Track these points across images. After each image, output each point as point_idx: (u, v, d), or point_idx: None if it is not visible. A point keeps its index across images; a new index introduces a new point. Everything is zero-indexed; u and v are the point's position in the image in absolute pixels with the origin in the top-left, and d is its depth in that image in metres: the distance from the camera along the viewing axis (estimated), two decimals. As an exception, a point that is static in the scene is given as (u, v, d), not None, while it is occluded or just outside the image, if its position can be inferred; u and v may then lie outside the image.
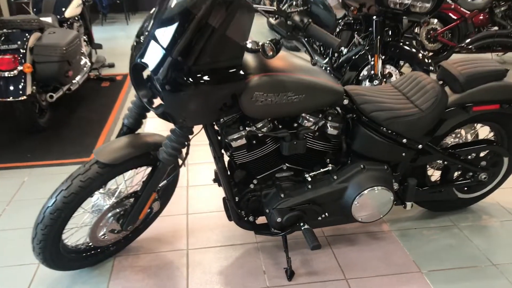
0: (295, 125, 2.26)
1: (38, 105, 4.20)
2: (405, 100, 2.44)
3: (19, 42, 3.85)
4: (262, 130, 2.20)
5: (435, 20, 6.23)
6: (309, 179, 2.38)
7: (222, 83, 1.91)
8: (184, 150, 2.23)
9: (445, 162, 2.60)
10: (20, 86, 3.78)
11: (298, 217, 2.35)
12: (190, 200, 3.11)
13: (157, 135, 2.30)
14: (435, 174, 2.83)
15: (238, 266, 2.48)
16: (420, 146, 2.44)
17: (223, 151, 2.27)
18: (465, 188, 2.80)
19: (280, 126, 2.24)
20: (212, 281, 2.37)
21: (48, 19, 4.66)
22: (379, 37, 4.12)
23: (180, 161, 2.34)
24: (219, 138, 2.25)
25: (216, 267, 2.48)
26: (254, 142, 2.24)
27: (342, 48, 4.86)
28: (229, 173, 2.37)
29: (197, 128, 2.15)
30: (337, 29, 4.90)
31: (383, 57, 4.11)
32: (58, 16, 4.89)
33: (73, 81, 4.46)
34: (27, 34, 3.95)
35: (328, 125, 2.31)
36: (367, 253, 2.55)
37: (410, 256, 2.53)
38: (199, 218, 2.91)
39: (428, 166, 2.74)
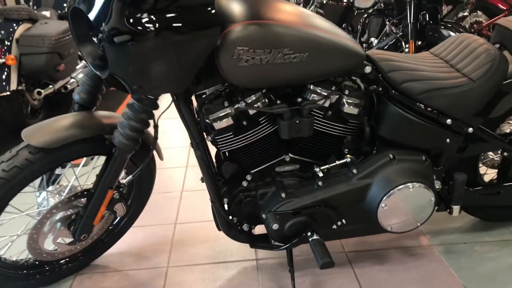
0: (299, 100, 1.68)
1: (30, 104, 3.76)
2: (449, 68, 1.83)
3: (3, 32, 3.43)
4: (254, 106, 1.63)
5: (480, 12, 5.55)
6: (320, 174, 1.78)
7: (185, 31, 1.36)
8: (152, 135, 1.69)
9: (505, 154, 1.95)
10: (3, 80, 3.35)
11: (304, 224, 1.75)
12: (183, 207, 2.55)
13: (116, 115, 1.77)
14: (488, 173, 2.18)
15: (228, 290, 1.90)
16: (470, 129, 1.81)
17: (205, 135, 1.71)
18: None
19: (278, 102, 1.67)
20: (190, 310, 1.80)
21: (47, 13, 4.27)
22: (414, 20, 3.51)
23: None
24: (197, 117, 1.69)
25: (199, 291, 1.90)
26: (244, 123, 1.67)
27: (372, 38, 4.25)
28: (215, 166, 1.82)
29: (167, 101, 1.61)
30: (366, 18, 4.29)
31: (419, 43, 3.50)
32: (59, 11, 4.50)
33: (71, 79, 4.03)
34: (14, 24, 3.54)
35: (344, 100, 1.72)
36: (401, 275, 1.92)
37: (458, 279, 1.89)
38: (189, 229, 2.34)
39: (480, 162, 2.09)
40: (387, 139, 1.80)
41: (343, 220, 1.80)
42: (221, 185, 1.84)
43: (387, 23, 4.01)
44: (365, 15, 4.27)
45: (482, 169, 2.17)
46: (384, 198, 1.72)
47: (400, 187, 1.72)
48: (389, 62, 1.76)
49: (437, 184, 1.86)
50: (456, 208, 1.88)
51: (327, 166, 1.80)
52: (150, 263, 2.09)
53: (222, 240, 2.18)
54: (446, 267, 1.96)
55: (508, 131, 2.07)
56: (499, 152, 1.99)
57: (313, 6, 5.44)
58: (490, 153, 2.13)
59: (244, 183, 1.81)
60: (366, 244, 2.14)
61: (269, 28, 1.48)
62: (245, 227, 1.86)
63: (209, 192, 1.78)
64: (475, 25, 5.57)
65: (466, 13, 5.61)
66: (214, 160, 1.84)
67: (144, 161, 1.79)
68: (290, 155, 1.80)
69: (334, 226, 1.80)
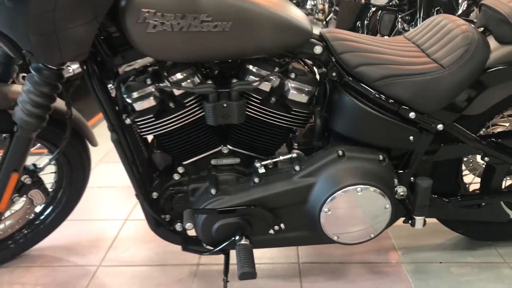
0: (233, 81, 1.43)
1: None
2: (418, 52, 1.54)
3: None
4: (180, 85, 1.40)
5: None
6: (262, 170, 1.53)
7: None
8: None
9: (486, 159, 1.64)
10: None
11: (236, 226, 1.50)
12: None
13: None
14: (476, 182, 1.86)
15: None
16: (440, 126, 1.51)
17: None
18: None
19: (209, 82, 1.43)
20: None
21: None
22: (424, 16, 3.21)
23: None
24: (115, 95, 1.47)
25: (120, 295, 1.68)
26: (169, 105, 1.44)
27: (385, 37, 3.95)
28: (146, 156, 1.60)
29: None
30: (378, 14, 3.99)
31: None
32: None
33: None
34: None
35: (289, 85, 1.47)
36: (354, 294, 1.64)
37: (422, 305, 1.59)
38: (139, 227, 2.12)
39: (464, 168, 1.79)
40: (341, 133, 1.53)
41: (282, 225, 1.53)
42: (155, 178, 1.62)
43: (399, 19, 3.71)
44: (379, 11, 3.98)
45: (470, 177, 1.87)
46: (326, 201, 1.45)
47: (346, 189, 1.44)
48: (343, 42, 1.49)
49: (402, 190, 1.57)
50: (419, 220, 1.58)
51: (269, 161, 1.54)
52: (82, 260, 1.89)
53: (168, 241, 1.95)
54: (410, 289, 1.66)
55: (496, 131, 1.75)
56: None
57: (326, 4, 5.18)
58: (479, 157, 1.81)
59: (176, 176, 1.58)
60: (325, 256, 1.86)
61: None
62: (178, 226, 1.63)
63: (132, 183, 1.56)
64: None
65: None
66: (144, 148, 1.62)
67: (61, 144, 1.59)
68: (228, 146, 1.56)
69: (271, 231, 1.54)
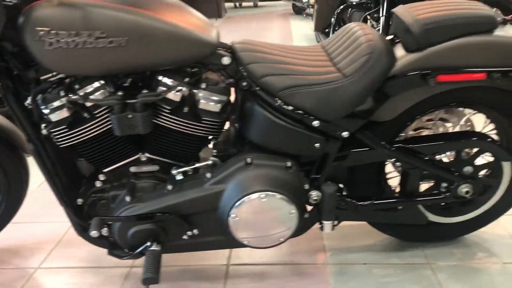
0: (144, 92, 1.48)
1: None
2: (325, 62, 1.58)
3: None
4: (90, 97, 1.46)
5: (494, 9, 5.09)
6: (179, 177, 1.59)
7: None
8: None
9: (398, 164, 1.68)
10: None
11: (149, 232, 1.56)
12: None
13: None
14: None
15: (78, 298, 1.74)
16: (345, 133, 1.55)
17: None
18: (442, 208, 1.84)
19: (119, 93, 1.48)
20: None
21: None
22: (387, 15, 3.23)
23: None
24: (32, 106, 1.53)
25: (49, 297, 1.75)
26: (81, 116, 1.50)
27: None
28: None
29: None
30: (348, 12, 4.00)
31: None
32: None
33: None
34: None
35: (200, 95, 1.52)
36: (272, 296, 1.70)
37: (335, 306, 1.64)
38: (84, 228, 2.18)
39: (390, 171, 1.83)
40: (253, 141, 1.58)
41: (195, 231, 1.59)
42: (83, 184, 1.69)
43: (369, 17, 3.72)
44: (349, 9, 3.99)
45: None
46: (233, 207, 1.51)
47: (251, 196, 1.49)
48: (251, 53, 1.53)
49: (315, 195, 1.62)
50: (327, 224, 1.63)
51: (184, 168, 1.60)
52: (22, 262, 1.96)
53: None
54: (328, 290, 1.71)
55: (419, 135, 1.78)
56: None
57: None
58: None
59: (98, 183, 1.65)
60: (255, 257, 1.91)
61: (75, 6, 1.30)
62: (104, 231, 1.68)
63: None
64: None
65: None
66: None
67: None
68: (146, 154, 1.61)
69: (185, 237, 1.60)
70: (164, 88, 1.48)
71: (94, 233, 1.51)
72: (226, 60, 1.51)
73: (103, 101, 1.44)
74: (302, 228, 1.65)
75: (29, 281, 1.84)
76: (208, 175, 1.56)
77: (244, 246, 1.60)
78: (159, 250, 1.52)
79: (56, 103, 1.46)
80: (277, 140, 1.54)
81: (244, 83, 1.54)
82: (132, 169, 1.64)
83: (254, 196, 1.49)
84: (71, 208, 1.63)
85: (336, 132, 1.54)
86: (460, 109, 1.77)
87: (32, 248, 2.05)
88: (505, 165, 1.71)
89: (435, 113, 1.74)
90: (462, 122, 1.83)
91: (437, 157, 1.68)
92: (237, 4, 12.21)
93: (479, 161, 1.74)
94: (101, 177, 1.64)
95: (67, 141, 1.52)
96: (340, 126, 1.54)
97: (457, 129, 1.82)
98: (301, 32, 7.55)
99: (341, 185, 1.73)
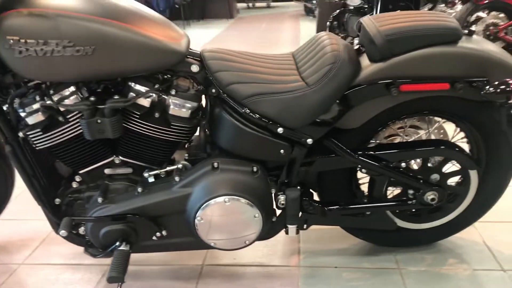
0: (116, 97, 1.55)
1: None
2: (292, 71, 1.62)
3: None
4: (62, 102, 1.52)
5: (499, 14, 5.07)
6: (151, 179, 1.65)
7: None
8: None
9: (364, 170, 1.71)
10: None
11: (119, 232, 1.62)
12: (81, 204, 2.48)
13: None
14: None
15: (55, 293, 1.81)
16: (309, 140, 1.59)
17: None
18: (411, 214, 1.87)
19: (91, 99, 1.54)
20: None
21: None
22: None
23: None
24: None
25: (27, 292, 1.83)
26: (56, 120, 1.57)
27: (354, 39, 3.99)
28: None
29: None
30: (346, 16, 4.03)
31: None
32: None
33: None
34: None
35: (170, 101, 1.57)
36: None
37: (300, 308, 1.68)
38: (70, 226, 2.26)
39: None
40: (221, 146, 1.63)
41: (164, 232, 1.65)
42: (62, 184, 1.76)
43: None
44: (346, 13, 4.01)
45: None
46: (199, 210, 1.56)
47: (215, 199, 1.55)
48: (219, 61, 1.59)
49: (283, 199, 1.67)
50: (291, 228, 1.67)
51: (155, 172, 1.66)
52: (7, 258, 2.04)
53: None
54: (295, 292, 1.76)
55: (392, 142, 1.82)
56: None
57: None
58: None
59: (74, 184, 1.72)
60: (230, 258, 1.97)
61: (44, 16, 1.36)
62: (81, 230, 1.75)
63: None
64: (491, 28, 5.12)
65: (483, 14, 5.16)
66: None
67: None
68: (120, 157, 1.67)
69: (154, 238, 1.66)
70: (134, 94, 1.54)
71: (62, 233, 1.58)
72: (195, 68, 1.57)
73: (73, 106, 1.51)
74: (271, 231, 1.69)
75: (12, 276, 1.92)
76: (177, 178, 1.61)
77: (211, 248, 1.65)
78: (128, 250, 1.58)
79: (32, 107, 1.53)
80: (243, 146, 1.59)
81: (213, 90, 1.59)
82: (107, 171, 1.70)
83: (218, 199, 1.54)
84: (49, 207, 1.70)
85: (301, 139, 1.58)
86: (431, 117, 1.79)
87: (18, 244, 2.13)
88: (472, 173, 1.73)
89: (404, 121, 1.77)
90: (434, 130, 1.86)
91: (405, 164, 1.70)
92: (250, 4, 12.28)
93: (450, 168, 1.77)
94: (77, 178, 1.71)
95: (43, 144, 1.59)
96: (304, 133, 1.58)
97: (431, 137, 1.85)
98: (309, 33, 7.56)
99: (312, 190, 1.78)
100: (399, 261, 1.91)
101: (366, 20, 1.64)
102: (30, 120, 1.55)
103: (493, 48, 1.58)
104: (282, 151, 1.59)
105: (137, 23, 1.47)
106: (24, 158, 1.63)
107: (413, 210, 1.85)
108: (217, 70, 1.57)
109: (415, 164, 1.80)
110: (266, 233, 1.72)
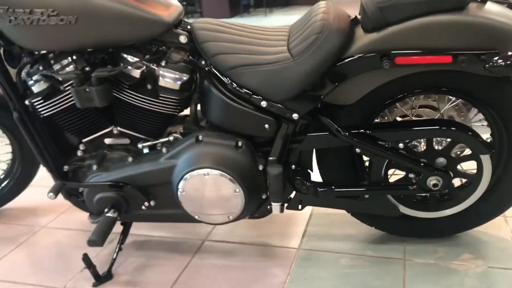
0: (109, 67, 1.59)
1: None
2: (281, 42, 1.55)
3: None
4: (60, 72, 1.59)
5: None
6: (146, 150, 1.68)
7: None
8: None
9: (358, 150, 1.59)
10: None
11: (111, 200, 1.67)
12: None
13: None
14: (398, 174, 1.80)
15: (50, 256, 1.91)
16: (295, 115, 1.52)
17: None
18: (417, 201, 1.72)
19: (87, 69, 1.59)
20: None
21: None
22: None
23: None
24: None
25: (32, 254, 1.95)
26: (57, 88, 1.64)
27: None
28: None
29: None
30: None
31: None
32: None
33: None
34: None
35: (160, 72, 1.58)
36: (231, 273, 1.73)
37: (285, 289, 1.63)
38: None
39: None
40: (209, 119, 1.62)
41: (152, 202, 1.67)
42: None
43: None
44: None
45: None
46: (180, 182, 1.56)
47: (194, 172, 1.53)
48: (207, 32, 1.56)
49: (270, 176, 1.61)
50: (275, 206, 1.60)
51: (148, 143, 1.68)
52: (33, 221, 2.20)
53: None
54: (285, 274, 1.69)
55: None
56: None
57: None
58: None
59: (79, 153, 1.79)
60: (232, 236, 1.95)
61: None
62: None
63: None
64: None
65: None
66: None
67: None
68: (119, 128, 1.72)
69: (143, 207, 1.68)
70: (124, 64, 1.56)
71: (50, 195, 1.65)
72: (183, 39, 1.55)
73: (65, 75, 1.56)
74: (264, 209, 1.65)
75: (32, 237, 2.06)
76: (164, 150, 1.62)
77: (195, 221, 1.64)
78: (113, 217, 1.62)
79: (36, 77, 1.61)
80: (228, 119, 1.56)
81: (203, 62, 1.57)
82: (107, 141, 1.75)
83: (199, 172, 1.53)
84: (56, 173, 1.78)
85: (286, 114, 1.51)
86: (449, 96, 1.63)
87: (46, 209, 2.28)
88: (484, 158, 1.55)
89: (412, 99, 1.63)
90: (454, 112, 1.69)
91: (403, 145, 1.57)
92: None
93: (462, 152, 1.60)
94: (81, 146, 1.78)
95: (46, 111, 1.67)
96: (289, 108, 1.51)
97: (446, 117, 1.69)
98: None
99: (309, 170, 1.70)
100: (407, 251, 1.77)
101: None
102: (35, 89, 1.63)
103: (509, 17, 1.39)
104: (267, 126, 1.54)
105: None
106: (32, 125, 1.72)
107: (419, 196, 1.70)
108: (204, 40, 1.54)
109: (421, 146, 1.64)
110: (258, 212, 1.67)
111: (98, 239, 1.53)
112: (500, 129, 1.57)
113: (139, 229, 2.00)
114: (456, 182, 1.71)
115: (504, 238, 1.81)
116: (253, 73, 1.47)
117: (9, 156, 2.15)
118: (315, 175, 1.69)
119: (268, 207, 1.64)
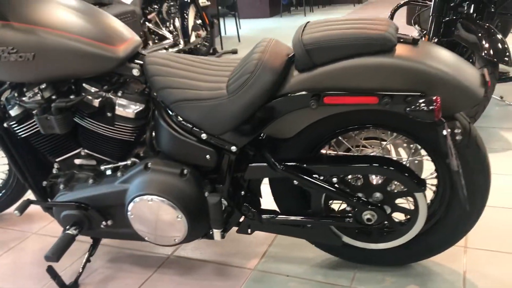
0: (72, 97, 1.74)
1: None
2: (224, 78, 1.63)
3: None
4: (28, 101, 1.75)
5: None
6: (109, 172, 1.82)
7: None
8: None
9: (295, 182, 1.65)
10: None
11: (74, 217, 1.82)
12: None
13: None
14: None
15: (32, 262, 2.09)
16: (233, 148, 1.60)
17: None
18: (359, 232, 1.75)
19: (53, 97, 1.75)
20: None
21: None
22: (436, 13, 2.99)
23: None
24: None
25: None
26: (31, 114, 1.81)
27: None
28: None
29: None
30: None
31: (435, 40, 2.97)
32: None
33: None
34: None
35: (117, 102, 1.71)
36: (180, 290, 1.83)
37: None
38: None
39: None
40: (159, 147, 1.73)
41: (109, 222, 1.80)
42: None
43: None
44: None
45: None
46: (128, 205, 1.68)
47: (140, 198, 1.65)
48: (156, 66, 1.66)
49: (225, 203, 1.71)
50: (216, 232, 1.69)
51: (110, 166, 1.82)
52: (26, 226, 2.39)
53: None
54: (231, 294, 1.79)
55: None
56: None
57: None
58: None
59: (54, 170, 1.95)
60: (196, 252, 2.06)
61: None
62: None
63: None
64: None
65: None
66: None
67: None
68: (86, 150, 1.86)
69: (102, 226, 1.82)
70: (83, 94, 1.70)
71: (16, 213, 1.82)
72: (135, 72, 1.67)
73: (29, 104, 1.72)
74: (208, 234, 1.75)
75: (21, 243, 2.25)
76: (119, 174, 1.75)
77: (147, 241, 1.76)
78: (72, 234, 1.76)
79: (12, 101, 1.79)
80: (174, 149, 1.66)
81: (154, 94, 1.68)
82: (77, 161, 1.90)
83: (143, 198, 1.64)
84: (35, 188, 1.95)
85: (225, 146, 1.60)
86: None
87: (42, 216, 2.47)
88: (419, 196, 1.57)
89: (354, 133, 1.67)
90: (402, 144, 1.71)
91: (337, 179, 1.61)
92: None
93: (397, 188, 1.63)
94: (56, 165, 1.94)
95: (21, 133, 1.84)
96: (227, 141, 1.59)
97: (390, 151, 1.71)
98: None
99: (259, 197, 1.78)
100: (356, 279, 1.81)
101: (300, 26, 1.57)
102: (12, 113, 1.80)
103: (441, 60, 1.41)
104: (208, 156, 1.63)
105: (75, 30, 1.60)
106: (12, 145, 1.89)
107: (359, 228, 1.73)
108: (153, 74, 1.64)
109: (361, 180, 1.67)
110: (206, 235, 1.77)
111: (53, 256, 1.68)
112: (442, 165, 1.58)
113: (113, 241, 2.15)
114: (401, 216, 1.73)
115: (455, 271, 1.80)
116: (193, 107, 1.57)
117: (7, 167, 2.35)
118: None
119: (211, 232, 1.73)
